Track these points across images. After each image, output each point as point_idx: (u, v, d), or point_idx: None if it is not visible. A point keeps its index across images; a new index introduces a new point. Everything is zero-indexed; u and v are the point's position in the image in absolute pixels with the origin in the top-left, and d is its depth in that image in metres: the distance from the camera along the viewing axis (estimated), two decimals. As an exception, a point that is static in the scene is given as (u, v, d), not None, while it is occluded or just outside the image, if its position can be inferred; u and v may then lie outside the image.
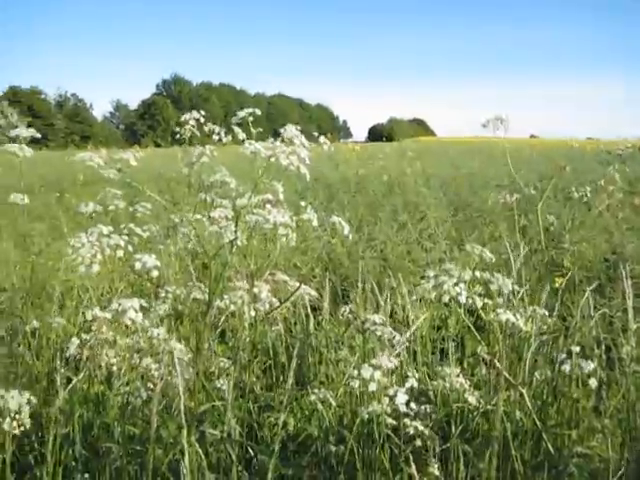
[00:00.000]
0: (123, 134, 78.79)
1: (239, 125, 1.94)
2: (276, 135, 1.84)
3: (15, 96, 69.58)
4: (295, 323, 3.16)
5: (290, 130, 1.80)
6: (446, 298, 1.52)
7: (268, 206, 1.72)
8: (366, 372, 1.49)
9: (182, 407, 1.55)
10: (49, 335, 2.83)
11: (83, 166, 2.05)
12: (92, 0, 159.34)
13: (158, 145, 53.26)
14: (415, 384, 1.51)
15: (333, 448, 2.02)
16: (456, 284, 1.53)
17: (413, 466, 1.50)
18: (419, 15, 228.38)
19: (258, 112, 1.88)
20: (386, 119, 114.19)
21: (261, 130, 1.78)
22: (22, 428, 1.45)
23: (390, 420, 1.74)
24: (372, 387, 1.47)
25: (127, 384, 2.01)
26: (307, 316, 3.04)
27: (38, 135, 1.93)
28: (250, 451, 2.11)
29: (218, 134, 1.88)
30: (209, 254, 1.95)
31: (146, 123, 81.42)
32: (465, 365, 2.99)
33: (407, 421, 1.52)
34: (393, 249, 4.82)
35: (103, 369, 1.83)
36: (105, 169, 1.77)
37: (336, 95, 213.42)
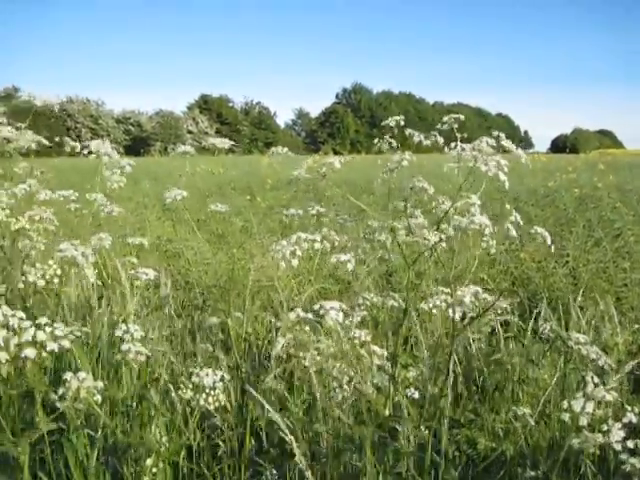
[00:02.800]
0: (304, 141, 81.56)
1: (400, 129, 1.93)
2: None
3: (206, 104, 74.56)
4: (479, 338, 3.06)
5: (487, 140, 1.76)
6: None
7: (472, 209, 1.68)
8: (577, 404, 1.38)
9: (405, 413, 1.53)
10: (239, 331, 2.95)
11: (271, 171, 2.12)
12: (279, 15, 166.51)
13: (337, 152, 54.48)
14: (634, 419, 1.37)
15: (531, 473, 1.92)
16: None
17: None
18: (603, 20, 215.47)
19: (462, 117, 1.86)
20: (570, 130, 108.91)
21: (465, 135, 1.75)
22: (216, 404, 1.52)
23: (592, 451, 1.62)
24: (583, 421, 1.36)
25: (323, 385, 2.03)
26: (495, 330, 2.94)
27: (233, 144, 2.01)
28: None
29: (418, 136, 1.87)
30: (407, 262, 1.93)
31: (326, 131, 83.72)
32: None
33: (624, 457, 1.38)
34: (586, 266, 4.55)
35: (302, 368, 1.86)
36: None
37: (517, 105, 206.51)
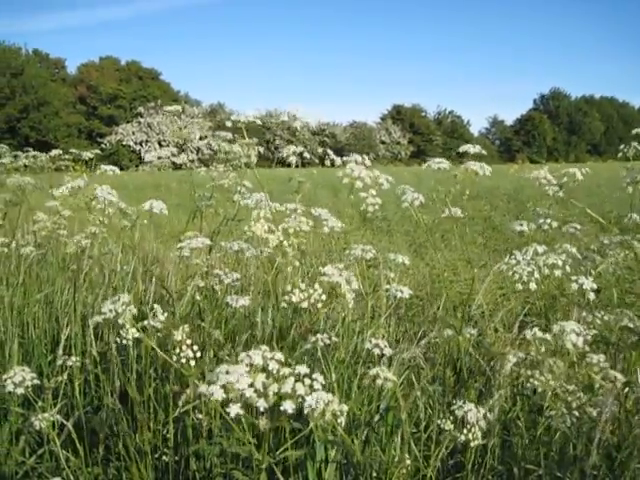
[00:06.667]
0: (498, 150, 79.46)
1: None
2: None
3: (398, 114, 75.09)
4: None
5: None
6: None
7: None
8: None
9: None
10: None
11: (469, 181, 2.05)
12: (472, 22, 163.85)
13: (533, 161, 52.45)
14: None
15: None
16: None
17: None
18: None
19: None
20: None
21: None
22: (476, 442, 1.50)
23: None
24: None
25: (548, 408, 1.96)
26: None
27: (484, 152, 1.96)
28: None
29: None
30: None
31: (521, 139, 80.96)
32: None
33: None
34: None
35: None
36: (548, 186, 1.74)
37: None
